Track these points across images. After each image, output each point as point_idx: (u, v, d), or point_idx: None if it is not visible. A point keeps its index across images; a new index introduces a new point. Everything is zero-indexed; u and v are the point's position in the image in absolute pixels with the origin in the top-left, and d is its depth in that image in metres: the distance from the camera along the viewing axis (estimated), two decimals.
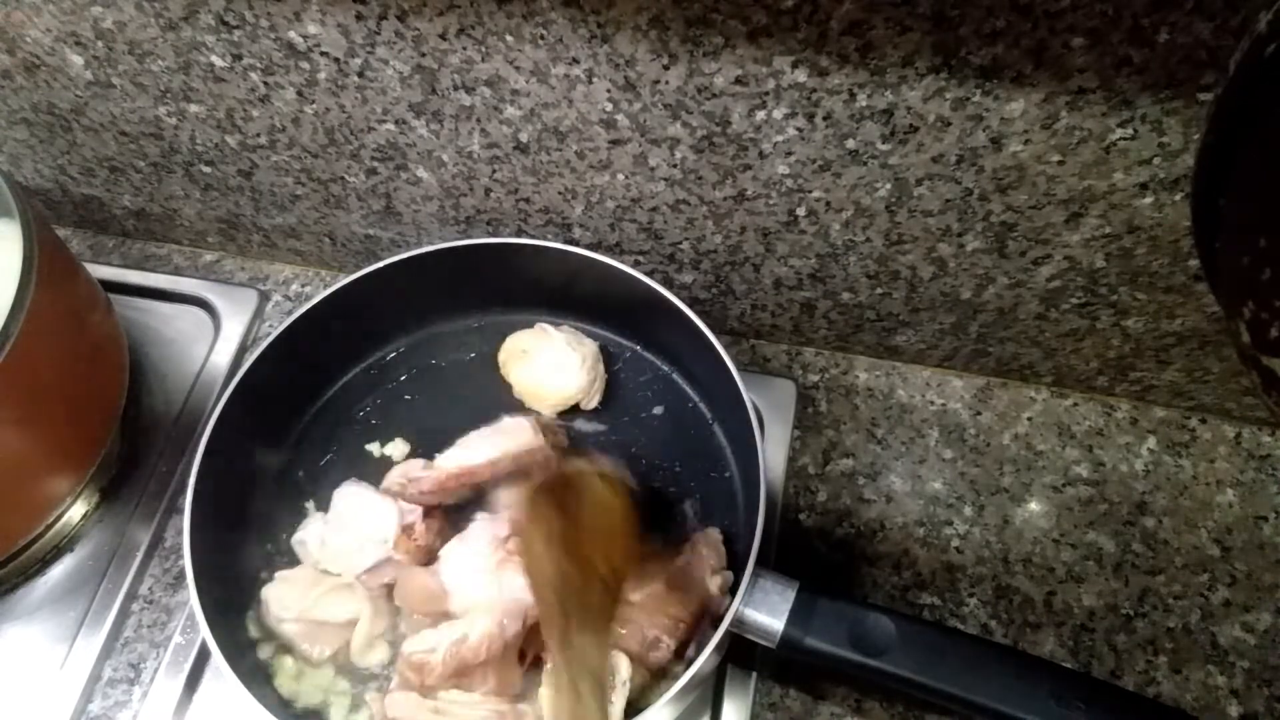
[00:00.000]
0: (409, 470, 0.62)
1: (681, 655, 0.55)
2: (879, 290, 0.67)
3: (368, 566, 0.59)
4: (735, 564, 0.59)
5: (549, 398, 0.67)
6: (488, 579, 0.58)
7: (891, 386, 0.74)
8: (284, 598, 0.59)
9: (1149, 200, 0.54)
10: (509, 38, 0.54)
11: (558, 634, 0.42)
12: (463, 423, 0.63)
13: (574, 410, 0.68)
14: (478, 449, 0.61)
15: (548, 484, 0.47)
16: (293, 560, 0.63)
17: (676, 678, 0.52)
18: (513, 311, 0.71)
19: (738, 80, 0.53)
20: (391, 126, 0.63)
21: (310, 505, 0.65)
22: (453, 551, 0.59)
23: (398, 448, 0.67)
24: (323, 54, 0.58)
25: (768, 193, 0.60)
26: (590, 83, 0.55)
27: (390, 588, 0.60)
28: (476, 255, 0.67)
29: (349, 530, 0.61)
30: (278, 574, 0.61)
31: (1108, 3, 0.44)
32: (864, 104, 0.52)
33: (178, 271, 0.82)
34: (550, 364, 0.67)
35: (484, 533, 0.60)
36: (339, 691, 0.58)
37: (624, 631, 0.55)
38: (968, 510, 0.68)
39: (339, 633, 0.59)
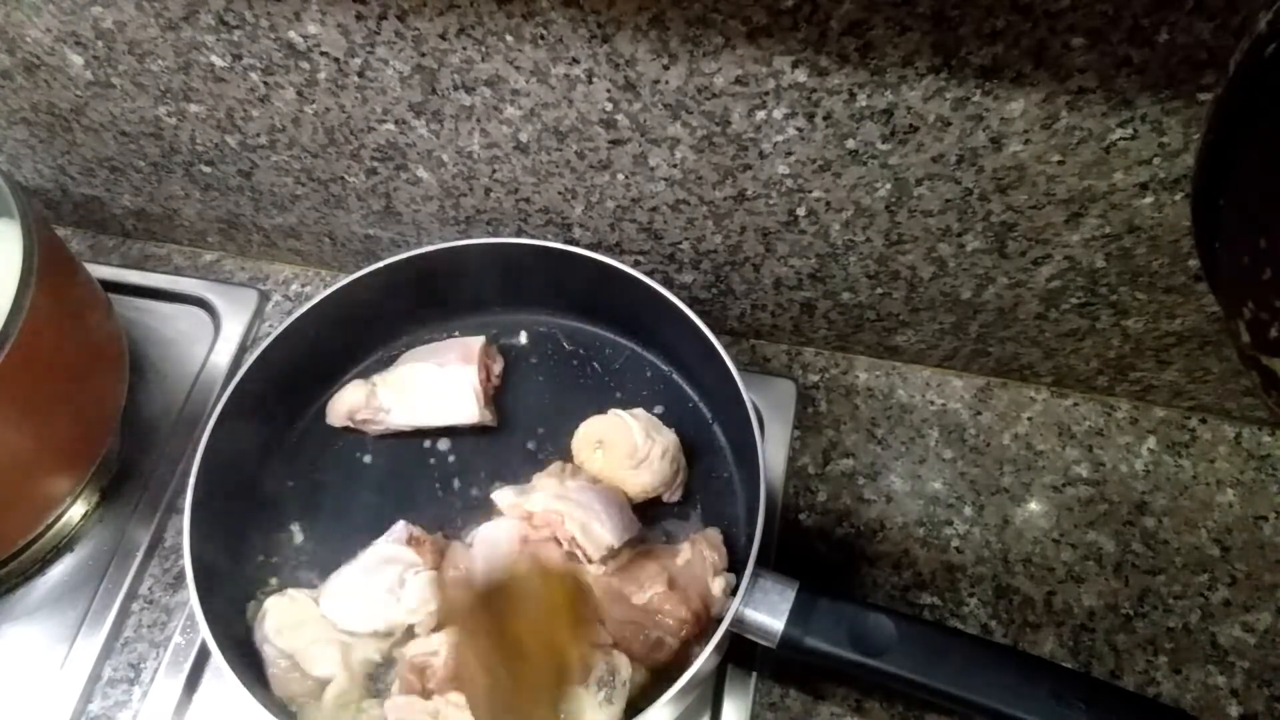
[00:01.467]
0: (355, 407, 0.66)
1: (682, 656, 0.55)
2: (879, 290, 0.67)
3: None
4: (735, 564, 0.59)
5: (628, 492, 0.62)
6: None
7: (891, 386, 0.74)
8: (279, 621, 0.57)
9: (1149, 200, 0.54)
10: (509, 38, 0.54)
11: None
12: None
13: (656, 502, 0.63)
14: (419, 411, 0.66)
15: (478, 597, 0.51)
16: (291, 561, 0.63)
17: (676, 678, 0.52)
18: (513, 311, 0.71)
19: (738, 80, 0.53)
20: (391, 126, 0.63)
21: (297, 524, 0.64)
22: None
23: None
24: (323, 54, 0.58)
25: (768, 193, 0.60)
26: (590, 83, 0.55)
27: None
28: (476, 255, 0.67)
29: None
30: (289, 590, 0.59)
31: (1108, 3, 0.44)
32: (864, 104, 0.52)
33: (178, 271, 0.82)
34: (627, 456, 0.61)
35: (486, 541, 0.60)
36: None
37: (626, 635, 0.55)
38: (968, 510, 0.68)
39: (312, 685, 0.56)
